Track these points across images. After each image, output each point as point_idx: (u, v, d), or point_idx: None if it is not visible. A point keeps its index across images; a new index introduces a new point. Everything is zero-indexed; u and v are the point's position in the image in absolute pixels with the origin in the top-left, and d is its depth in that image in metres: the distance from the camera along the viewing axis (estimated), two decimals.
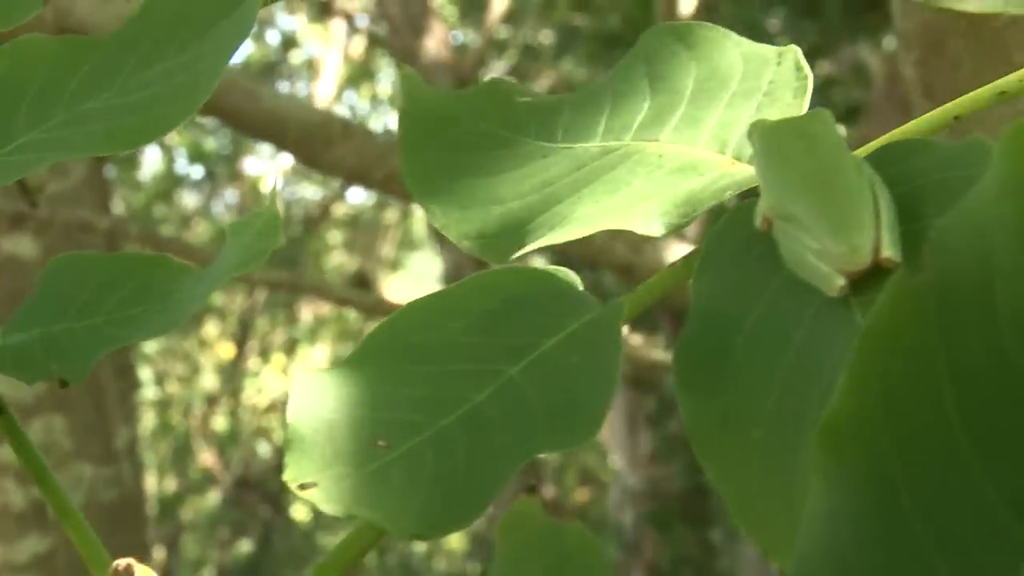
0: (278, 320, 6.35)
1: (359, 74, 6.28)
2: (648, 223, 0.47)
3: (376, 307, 2.62)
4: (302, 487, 0.41)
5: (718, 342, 0.44)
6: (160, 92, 0.49)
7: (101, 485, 2.60)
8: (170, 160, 6.01)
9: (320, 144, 1.90)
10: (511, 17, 5.20)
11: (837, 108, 5.03)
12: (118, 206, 5.76)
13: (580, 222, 0.48)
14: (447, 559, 6.43)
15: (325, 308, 6.02)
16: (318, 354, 6.50)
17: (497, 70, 5.90)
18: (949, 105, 0.48)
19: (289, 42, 6.31)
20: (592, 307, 0.46)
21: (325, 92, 5.56)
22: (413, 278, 6.89)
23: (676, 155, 0.50)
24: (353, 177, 1.99)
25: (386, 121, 6.87)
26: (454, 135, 0.54)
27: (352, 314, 5.86)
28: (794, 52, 0.51)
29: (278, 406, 6.12)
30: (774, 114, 0.49)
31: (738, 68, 0.52)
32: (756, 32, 4.66)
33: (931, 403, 0.33)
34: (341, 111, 6.48)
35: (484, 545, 5.57)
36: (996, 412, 0.32)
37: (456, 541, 6.30)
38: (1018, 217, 0.32)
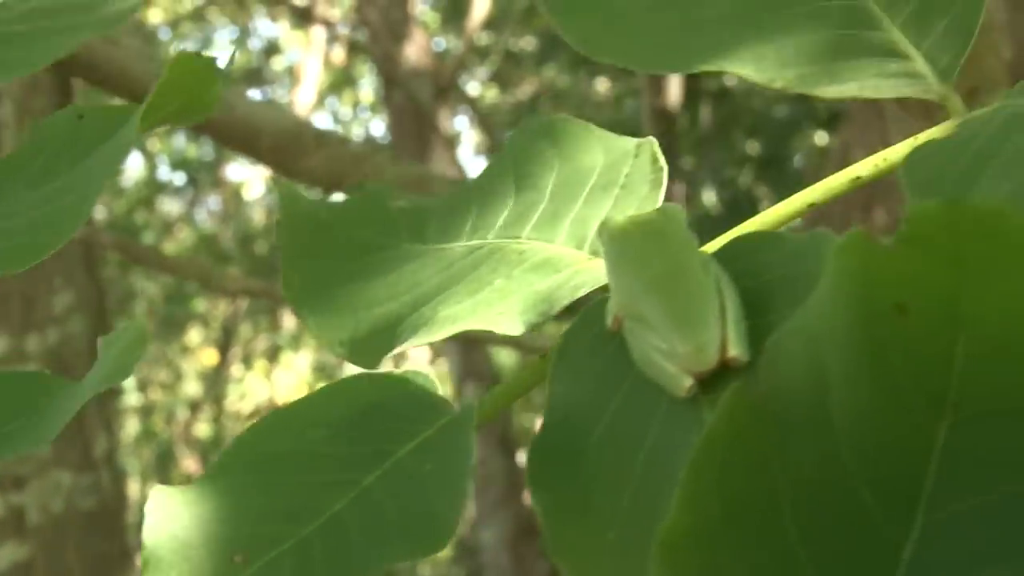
0: (261, 327, 6.35)
1: (340, 81, 6.28)
2: (508, 323, 0.47)
3: None
4: None
5: (572, 442, 0.44)
6: (45, 214, 0.50)
7: (80, 493, 2.59)
8: (152, 166, 6.01)
9: (294, 153, 1.90)
10: (493, 23, 5.21)
11: (819, 114, 5.03)
12: (99, 212, 5.75)
13: (443, 323, 0.48)
14: (431, 565, 6.42)
15: None
16: (301, 361, 6.50)
17: (479, 76, 5.91)
18: (804, 192, 0.49)
19: (272, 49, 6.31)
20: (446, 412, 0.46)
21: (305, 98, 5.56)
22: None
23: (535, 252, 0.50)
24: (327, 185, 1.99)
25: (368, 127, 6.88)
26: (329, 244, 0.54)
27: None
28: (651, 144, 0.52)
29: (261, 412, 6.11)
30: (630, 207, 0.50)
31: (599, 162, 0.52)
32: None
33: (769, 515, 0.33)
34: (323, 117, 6.49)
35: (469, 551, 5.57)
36: (832, 521, 0.33)
37: None
38: (848, 329, 0.32)
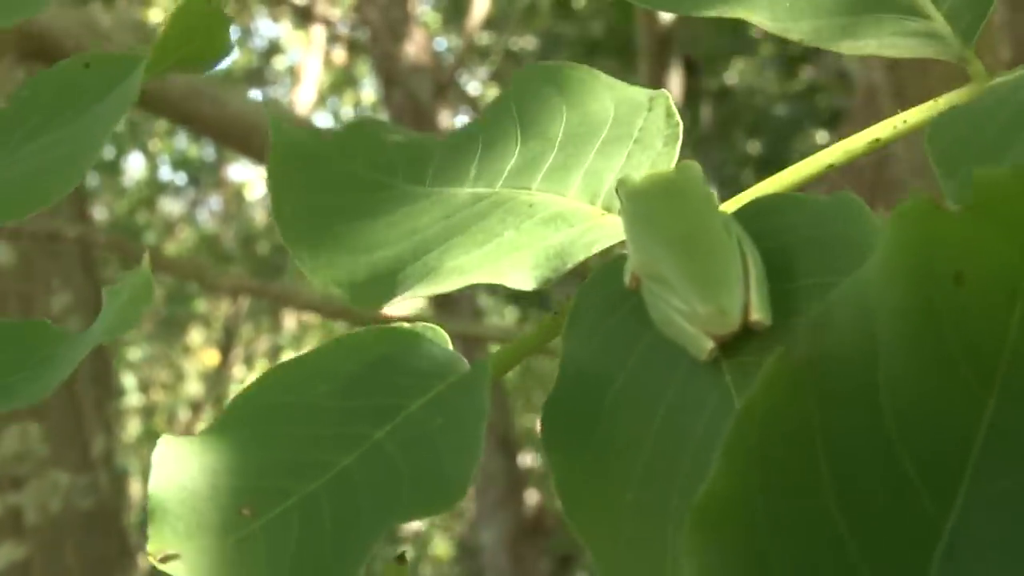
0: (262, 327, 6.35)
1: (342, 80, 6.28)
2: (520, 277, 0.46)
3: (359, 316, 2.57)
4: (164, 559, 0.40)
5: (587, 401, 0.43)
6: (43, 164, 0.49)
7: (78, 493, 2.59)
8: (153, 167, 6.01)
9: None
10: (494, 23, 5.20)
11: (820, 114, 5.03)
12: (101, 213, 5.76)
13: (450, 274, 0.47)
14: (432, 565, 6.42)
15: (309, 315, 6.01)
16: None
17: (480, 76, 5.91)
18: (822, 153, 0.48)
19: (274, 48, 6.31)
20: (459, 367, 0.45)
21: (306, 98, 5.56)
22: None
23: (546, 205, 0.49)
24: None
25: None
26: (323, 176, 0.52)
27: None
28: (665, 98, 0.50)
29: None
30: (644, 163, 0.48)
31: (609, 113, 0.50)
32: (739, 37, 4.66)
33: (809, 485, 0.32)
34: (324, 117, 6.48)
35: (470, 551, 5.57)
36: (874, 493, 0.32)
37: (441, 548, 6.30)
38: (903, 297, 0.31)
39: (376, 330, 0.47)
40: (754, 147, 4.97)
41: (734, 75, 5.04)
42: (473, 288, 0.49)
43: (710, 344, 0.42)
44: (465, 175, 0.51)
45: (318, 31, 5.44)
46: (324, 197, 0.52)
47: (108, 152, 5.80)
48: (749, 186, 0.49)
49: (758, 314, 0.42)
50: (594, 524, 0.41)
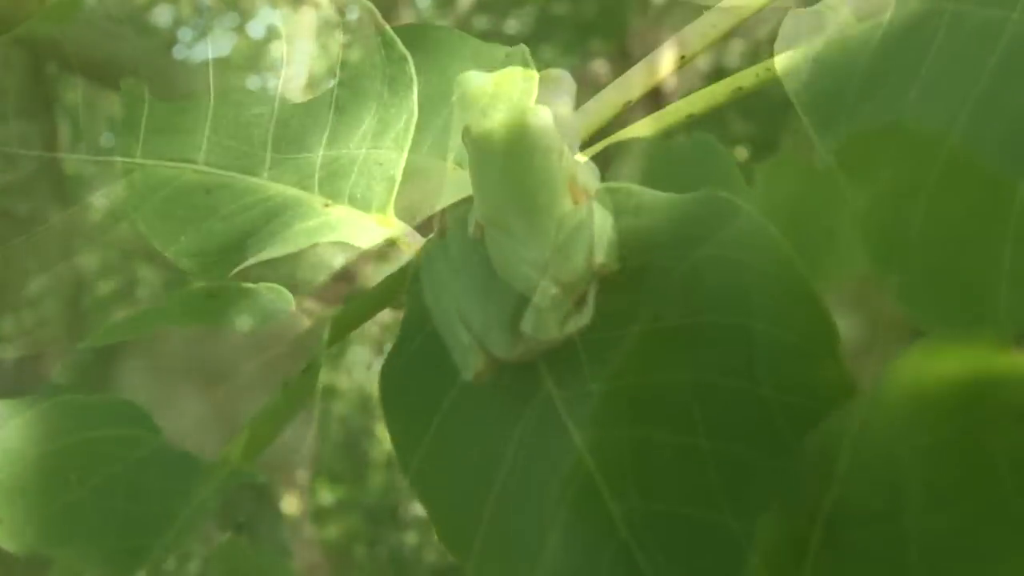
0: None
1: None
2: (370, 232, 0.46)
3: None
4: None
5: (428, 359, 0.42)
6: None
7: None
8: None
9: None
10: (486, 5, 5.20)
11: None
12: (99, 200, 5.76)
13: (298, 236, 0.47)
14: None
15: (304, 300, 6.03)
16: None
17: None
18: (683, 102, 0.47)
19: (272, 34, 6.33)
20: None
21: (296, 83, 5.57)
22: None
23: (396, 162, 0.48)
24: None
25: None
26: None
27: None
28: (522, 51, 0.50)
29: None
30: (498, 116, 0.48)
31: (467, 70, 0.50)
32: None
33: (683, 454, 0.32)
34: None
35: None
36: (753, 465, 0.32)
37: None
38: (771, 256, 0.31)
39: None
40: (747, 127, 4.97)
41: (728, 55, 5.04)
42: None
43: (555, 290, 0.41)
44: (318, 142, 0.51)
45: (308, 14, 5.46)
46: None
47: (106, 140, 5.83)
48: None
49: (603, 258, 0.41)
50: (436, 494, 0.40)
